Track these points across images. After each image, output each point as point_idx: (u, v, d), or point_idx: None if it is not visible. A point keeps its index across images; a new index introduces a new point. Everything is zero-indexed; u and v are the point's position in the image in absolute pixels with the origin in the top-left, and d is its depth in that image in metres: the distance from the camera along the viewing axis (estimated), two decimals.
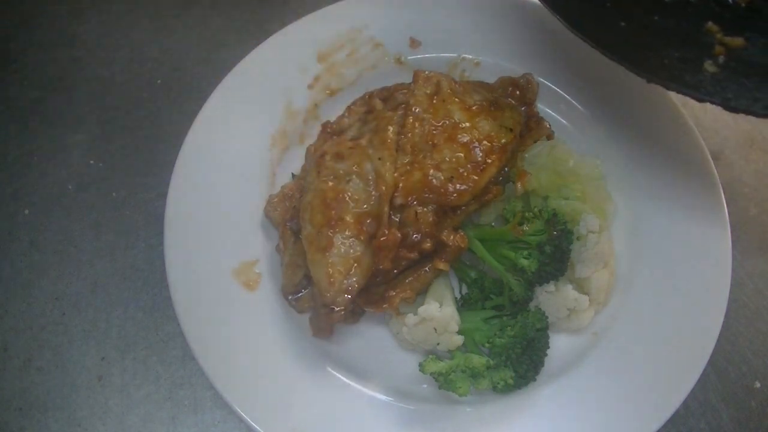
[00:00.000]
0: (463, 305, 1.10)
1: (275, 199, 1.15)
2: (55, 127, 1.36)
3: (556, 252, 1.00)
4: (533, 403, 1.01)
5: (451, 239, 1.04)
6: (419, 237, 1.02)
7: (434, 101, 1.10)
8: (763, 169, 1.32)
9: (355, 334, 1.10)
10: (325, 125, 1.19)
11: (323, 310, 1.03)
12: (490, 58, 1.30)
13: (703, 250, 1.08)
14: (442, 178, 1.03)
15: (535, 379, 1.02)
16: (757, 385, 1.11)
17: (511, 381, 0.99)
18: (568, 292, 1.03)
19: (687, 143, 1.16)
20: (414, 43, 1.32)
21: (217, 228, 1.12)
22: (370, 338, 1.10)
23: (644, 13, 0.93)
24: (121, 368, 1.13)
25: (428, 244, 1.02)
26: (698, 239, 1.09)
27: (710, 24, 0.91)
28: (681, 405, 0.97)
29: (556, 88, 1.27)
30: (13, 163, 1.32)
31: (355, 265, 0.99)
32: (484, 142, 1.08)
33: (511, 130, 1.11)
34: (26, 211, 1.27)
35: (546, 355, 1.03)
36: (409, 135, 1.07)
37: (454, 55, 1.32)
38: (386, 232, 0.99)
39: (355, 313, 1.09)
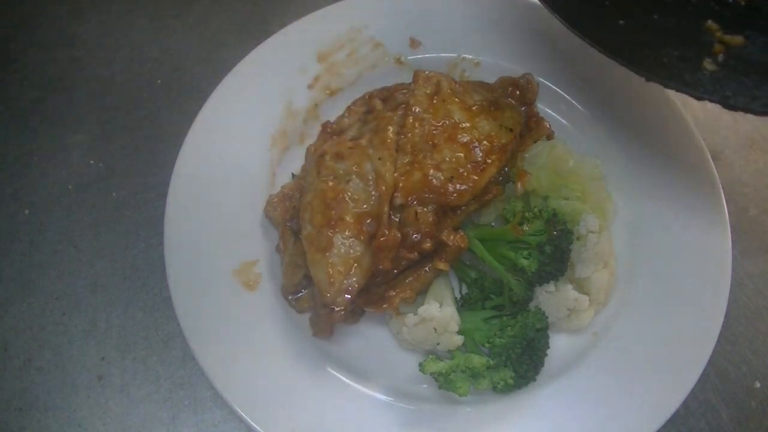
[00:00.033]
0: (463, 305, 1.10)
1: (275, 199, 1.15)
2: (55, 127, 1.36)
3: (556, 252, 1.00)
4: (533, 403, 1.01)
5: (451, 239, 1.04)
6: (419, 237, 1.02)
7: (434, 101, 1.10)
8: (763, 169, 1.32)
9: (355, 334, 1.10)
10: (325, 125, 1.20)
11: (323, 310, 1.03)
12: (490, 58, 1.30)
13: (703, 250, 1.08)
14: (442, 178, 1.03)
15: (535, 379, 1.02)
16: (757, 385, 1.11)
17: (511, 381, 0.99)
18: (568, 292, 1.03)
19: (687, 143, 1.16)
20: (414, 43, 1.32)
21: (217, 228, 1.12)
22: (370, 338, 1.10)
23: (644, 12, 0.93)
24: (121, 368, 1.13)
25: (428, 244, 1.02)
26: (698, 239, 1.09)
27: (710, 22, 0.91)
28: (681, 405, 0.97)
29: (556, 88, 1.27)
30: (13, 163, 1.32)
31: (355, 265, 0.99)
32: (484, 142, 1.08)
33: (511, 130, 1.11)
34: (26, 211, 1.27)
35: (546, 355, 1.03)
36: (409, 135, 1.07)
37: (454, 55, 1.32)
38: (386, 232, 0.99)
39: (355, 313, 1.09)
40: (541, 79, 1.26)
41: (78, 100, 1.39)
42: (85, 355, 1.14)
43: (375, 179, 1.03)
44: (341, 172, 1.05)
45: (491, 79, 1.26)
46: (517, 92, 1.23)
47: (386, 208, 1.01)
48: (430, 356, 1.01)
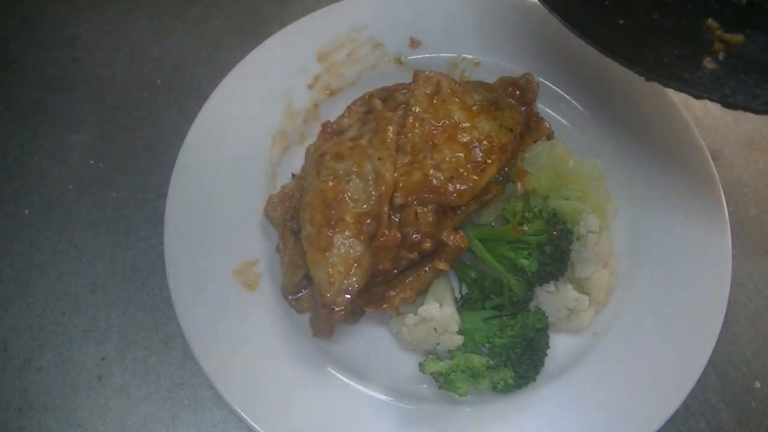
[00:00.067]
0: (463, 305, 1.10)
1: (275, 199, 1.15)
2: (55, 127, 1.36)
3: (556, 252, 1.00)
4: (533, 403, 1.01)
5: (451, 239, 1.04)
6: (419, 237, 1.02)
7: (434, 101, 1.10)
8: (763, 169, 1.32)
9: (355, 334, 1.10)
10: (325, 125, 1.20)
11: (323, 310, 1.03)
12: (490, 58, 1.30)
13: (703, 250, 1.08)
14: (442, 178, 1.03)
15: (535, 379, 1.02)
16: (757, 385, 1.11)
17: (511, 381, 0.99)
18: (568, 292, 1.03)
19: (687, 143, 1.16)
20: (414, 43, 1.32)
21: (217, 228, 1.12)
22: (370, 338, 1.10)
23: (643, 12, 0.92)
24: (121, 368, 1.13)
25: (428, 244, 1.02)
26: (698, 239, 1.09)
27: (710, 21, 0.91)
28: (681, 405, 0.97)
29: (556, 88, 1.27)
30: (13, 163, 1.32)
31: (355, 265, 0.99)
32: (484, 142, 1.08)
33: (511, 130, 1.11)
34: (26, 211, 1.27)
35: (546, 355, 1.03)
36: (409, 135, 1.07)
37: (454, 55, 1.32)
38: (386, 232, 0.99)
39: (355, 313, 1.09)
40: (541, 79, 1.26)
41: (78, 100, 1.39)
42: (85, 355, 1.14)
43: (375, 179, 1.03)
44: (341, 172, 1.05)
45: (491, 79, 1.26)
46: (517, 92, 1.23)
47: (386, 208, 1.01)
48: (430, 356, 1.01)
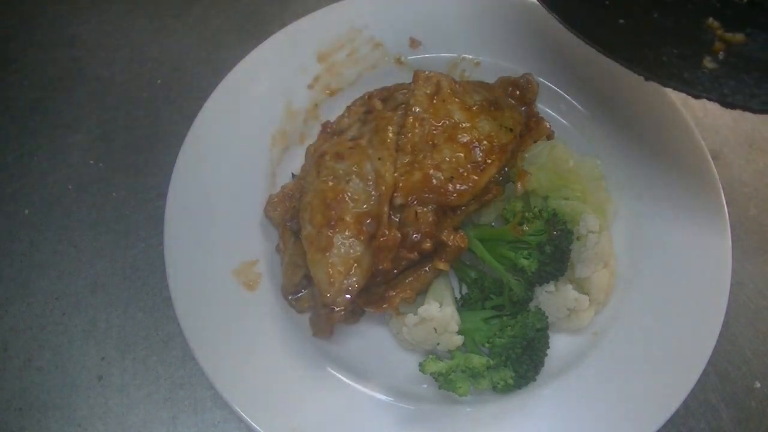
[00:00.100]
0: (463, 305, 1.10)
1: (275, 199, 1.15)
2: (55, 127, 1.36)
3: (556, 252, 1.00)
4: (533, 403, 1.01)
5: (451, 239, 1.04)
6: (419, 237, 1.02)
7: (434, 101, 1.10)
8: (763, 169, 1.32)
9: (355, 334, 1.10)
10: (325, 125, 1.20)
11: (323, 310, 1.03)
12: (490, 58, 1.30)
13: (703, 250, 1.08)
14: (442, 178, 1.03)
15: (535, 379, 1.02)
16: (757, 385, 1.11)
17: (511, 381, 0.99)
18: (568, 292, 1.03)
19: (687, 143, 1.16)
20: (414, 43, 1.32)
21: (217, 228, 1.12)
22: (370, 338, 1.10)
23: (643, 11, 0.92)
24: (121, 368, 1.13)
25: (428, 244, 1.02)
26: (698, 239, 1.09)
27: (711, 20, 0.91)
28: (681, 405, 0.97)
29: (556, 88, 1.27)
30: (13, 163, 1.32)
31: (355, 265, 0.99)
32: (484, 142, 1.08)
33: (511, 130, 1.11)
34: (26, 211, 1.27)
35: (546, 355, 1.03)
36: (409, 135, 1.07)
37: (454, 55, 1.32)
38: (386, 232, 0.99)
39: (355, 313, 1.09)
40: (541, 79, 1.26)
41: (78, 100, 1.39)
42: (85, 355, 1.14)
43: (375, 179, 1.03)
44: (341, 172, 1.05)
45: (491, 79, 1.26)
46: (517, 92, 1.23)
47: (386, 208, 1.01)
48: (430, 356, 1.01)
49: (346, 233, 1.00)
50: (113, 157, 1.33)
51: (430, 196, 1.02)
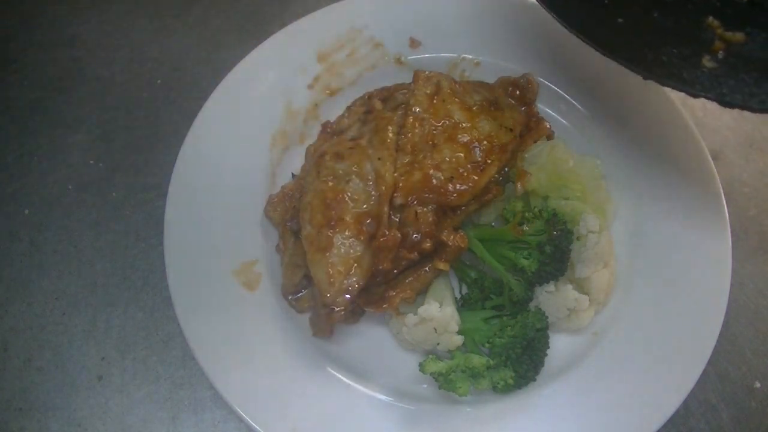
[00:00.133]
0: (463, 305, 1.10)
1: (275, 199, 1.15)
2: (55, 127, 1.36)
3: (556, 252, 1.00)
4: (533, 403, 1.01)
5: (451, 239, 1.04)
6: (419, 237, 1.02)
7: (434, 101, 1.10)
8: (763, 169, 1.32)
9: (355, 334, 1.10)
10: (325, 125, 1.20)
11: (323, 310, 1.03)
12: (490, 58, 1.30)
13: (703, 250, 1.08)
14: (442, 178, 1.03)
15: (535, 379, 1.02)
16: (757, 385, 1.11)
17: (511, 381, 0.99)
18: (568, 292, 1.03)
19: (687, 143, 1.16)
20: (414, 43, 1.32)
21: (217, 228, 1.12)
22: (370, 338, 1.10)
23: (643, 11, 0.92)
24: (121, 368, 1.13)
25: (428, 244, 1.02)
26: (698, 239, 1.09)
27: (711, 19, 0.91)
28: (681, 405, 0.97)
29: (556, 88, 1.27)
30: (13, 163, 1.32)
31: (355, 265, 0.99)
32: (484, 142, 1.08)
33: (511, 130, 1.11)
34: (26, 211, 1.27)
35: (546, 355, 1.03)
36: (409, 135, 1.07)
37: (454, 55, 1.32)
38: (386, 232, 0.99)
39: (355, 313, 1.09)
40: (541, 79, 1.26)
41: (78, 100, 1.39)
42: (85, 355, 1.14)
43: (375, 179, 1.03)
44: (341, 172, 1.05)
45: (491, 79, 1.26)
46: (517, 92, 1.23)
47: (386, 208, 1.01)
48: (430, 356, 1.01)
49: (346, 233, 1.00)
50: (113, 157, 1.33)
51: (430, 196, 1.02)
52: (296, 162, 1.22)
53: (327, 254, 0.99)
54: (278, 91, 1.25)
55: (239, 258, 1.11)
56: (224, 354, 1.01)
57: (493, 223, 1.12)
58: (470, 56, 1.31)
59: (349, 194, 1.03)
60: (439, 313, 1.00)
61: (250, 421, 0.96)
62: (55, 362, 1.14)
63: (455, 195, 1.03)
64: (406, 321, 1.02)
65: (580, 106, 1.26)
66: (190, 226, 1.10)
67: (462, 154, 1.06)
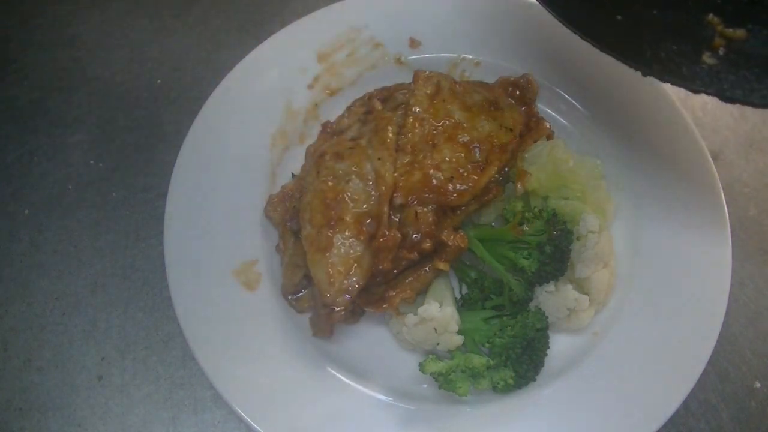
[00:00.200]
0: (463, 305, 1.10)
1: (275, 199, 1.15)
2: (55, 127, 1.36)
3: (556, 252, 1.00)
4: (533, 403, 1.01)
5: (451, 239, 1.04)
6: (419, 237, 1.02)
7: (434, 101, 1.10)
8: (763, 169, 1.32)
9: (355, 334, 1.10)
10: (325, 125, 1.20)
11: (323, 310, 1.03)
12: (490, 58, 1.30)
13: (703, 250, 1.08)
14: (442, 178, 1.03)
15: (535, 379, 1.02)
16: (757, 385, 1.11)
17: (511, 381, 0.99)
18: (568, 292, 1.03)
19: (687, 143, 1.16)
20: (414, 43, 1.32)
21: (217, 228, 1.12)
22: (370, 338, 1.10)
23: (643, 8, 0.92)
24: (121, 368, 1.13)
25: (428, 244, 1.02)
26: (698, 239, 1.09)
27: (711, 16, 0.90)
28: (681, 405, 0.97)
29: (556, 88, 1.27)
30: (13, 163, 1.32)
31: (355, 265, 0.99)
32: (484, 142, 1.08)
33: (511, 130, 1.11)
34: (26, 211, 1.27)
35: (546, 355, 1.03)
36: (409, 135, 1.07)
37: (454, 55, 1.31)
38: (386, 232, 0.99)
39: (355, 313, 1.09)
40: (541, 79, 1.26)
41: (78, 100, 1.39)
42: (85, 355, 1.14)
43: (375, 179, 1.03)
44: (341, 172, 1.05)
45: (491, 79, 1.26)
46: (517, 92, 1.23)
47: (386, 208, 1.01)
48: (430, 356, 1.01)
49: (346, 233, 1.00)
50: (113, 157, 1.32)
51: (430, 196, 1.02)
52: (296, 162, 1.22)
53: (327, 254, 0.99)
54: (278, 91, 1.25)
55: (239, 258, 1.11)
56: (224, 354, 1.01)
57: (493, 223, 1.12)
58: (470, 56, 1.31)
59: (349, 194, 1.03)
60: (439, 313, 1.00)
61: (250, 421, 0.96)
62: (55, 362, 1.14)
63: (455, 195, 1.03)
64: (406, 321, 1.02)
65: (580, 106, 1.26)
66: (190, 226, 1.10)
67: (462, 154, 1.06)
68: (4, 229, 1.26)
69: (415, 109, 1.09)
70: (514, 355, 0.99)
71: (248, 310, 1.07)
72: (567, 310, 1.03)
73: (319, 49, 1.29)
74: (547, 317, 1.04)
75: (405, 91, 1.16)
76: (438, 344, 1.03)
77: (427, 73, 1.14)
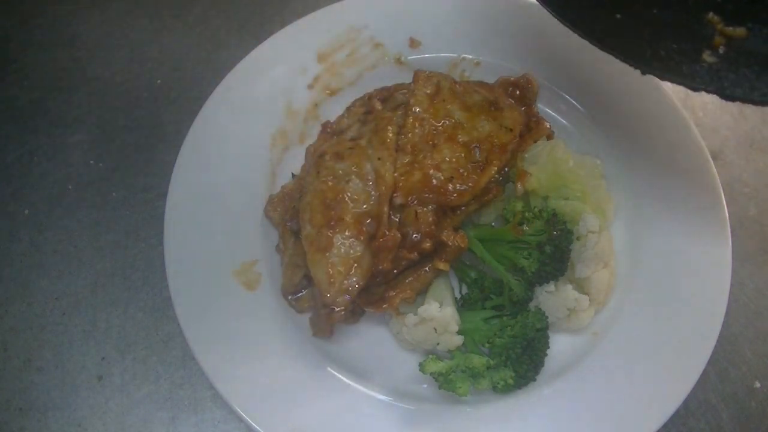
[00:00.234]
0: (463, 305, 1.10)
1: (275, 199, 1.15)
2: (55, 127, 1.36)
3: (556, 252, 1.00)
4: (533, 403, 1.01)
5: (451, 239, 1.04)
6: (419, 237, 1.02)
7: (434, 101, 1.10)
8: (763, 169, 1.32)
9: (355, 334, 1.10)
10: (325, 125, 1.20)
11: (323, 310, 1.03)
12: (490, 58, 1.30)
13: (703, 250, 1.08)
14: (442, 178, 1.03)
15: (535, 379, 1.02)
16: (757, 385, 1.11)
17: (511, 381, 0.99)
18: (568, 292, 1.03)
19: (687, 143, 1.16)
20: (414, 43, 1.32)
21: (217, 228, 1.12)
22: (370, 338, 1.10)
23: (643, 7, 0.92)
24: (121, 368, 1.13)
25: (428, 244, 1.02)
26: (698, 239, 1.09)
27: (711, 15, 0.90)
28: (681, 405, 0.97)
29: (556, 88, 1.27)
30: (13, 163, 1.32)
31: (355, 265, 0.99)
32: (484, 142, 1.08)
33: (511, 130, 1.11)
34: (26, 211, 1.27)
35: (546, 355, 1.03)
36: (409, 135, 1.07)
37: (454, 55, 1.31)
38: (386, 232, 0.99)
39: (355, 313, 1.09)
40: (541, 79, 1.26)
41: (78, 100, 1.39)
42: (85, 355, 1.14)
43: (375, 179, 1.03)
44: (341, 172, 1.05)
45: (491, 79, 1.26)
46: (517, 92, 1.23)
47: (386, 208, 1.01)
48: (430, 356, 1.01)
49: (346, 233, 1.00)
50: (113, 157, 1.32)
51: (430, 196, 1.02)
52: (296, 162, 1.22)
53: (327, 254, 0.99)
54: (278, 91, 1.25)
55: (239, 258, 1.11)
56: (224, 354, 1.01)
57: (493, 223, 1.12)
58: (470, 56, 1.31)
59: (349, 194, 1.03)
60: (439, 313, 1.00)
61: (250, 421, 0.96)
62: (55, 362, 1.14)
63: (455, 195, 1.03)
64: (406, 321, 1.02)
65: (580, 106, 1.26)
66: (190, 226, 1.10)
67: (462, 154, 1.06)
68: (4, 229, 1.26)
69: (415, 109, 1.09)
70: (514, 355, 0.99)
71: (248, 310, 1.07)
72: (567, 310, 1.03)
73: (319, 49, 1.29)
74: (547, 317, 1.04)
75: (405, 91, 1.16)
76: (438, 344, 1.03)
77: (427, 73, 1.14)
